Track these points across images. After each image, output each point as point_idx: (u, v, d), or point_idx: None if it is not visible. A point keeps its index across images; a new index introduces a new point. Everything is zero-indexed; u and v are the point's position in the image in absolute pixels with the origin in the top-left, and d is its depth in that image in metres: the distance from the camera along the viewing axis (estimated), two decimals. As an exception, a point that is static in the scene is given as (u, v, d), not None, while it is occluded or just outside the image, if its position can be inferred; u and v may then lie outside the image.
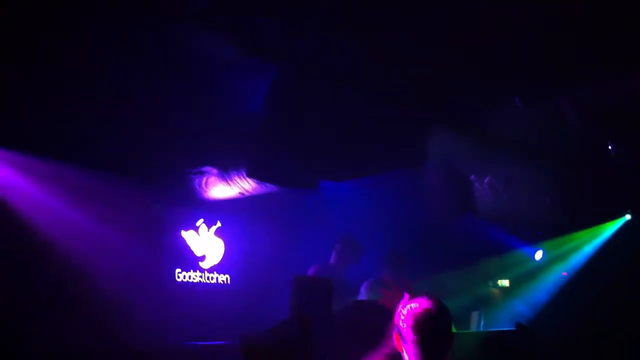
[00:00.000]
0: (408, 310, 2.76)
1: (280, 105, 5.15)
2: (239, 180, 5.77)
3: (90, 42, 4.28)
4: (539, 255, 8.43)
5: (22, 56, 4.25)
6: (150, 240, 6.18)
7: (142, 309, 5.73)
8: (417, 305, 2.77)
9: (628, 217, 8.04)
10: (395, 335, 2.81)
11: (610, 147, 6.43)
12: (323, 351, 4.08)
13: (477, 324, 7.08)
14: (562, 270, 8.24)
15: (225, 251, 6.88)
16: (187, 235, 6.57)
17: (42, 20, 4.06)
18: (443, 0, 4.10)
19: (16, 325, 4.83)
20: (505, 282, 8.16)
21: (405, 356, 2.73)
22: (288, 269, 5.98)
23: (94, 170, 5.34)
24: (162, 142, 5.39)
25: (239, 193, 5.97)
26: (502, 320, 7.59)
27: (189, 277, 6.52)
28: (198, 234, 6.66)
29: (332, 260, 6.28)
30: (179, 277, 6.43)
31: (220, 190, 6.01)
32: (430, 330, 2.70)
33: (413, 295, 2.90)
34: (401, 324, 2.74)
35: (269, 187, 5.80)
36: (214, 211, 6.70)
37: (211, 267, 6.75)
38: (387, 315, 3.43)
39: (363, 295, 6.02)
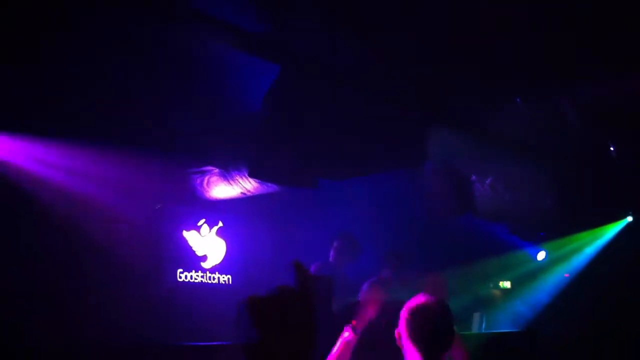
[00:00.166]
0: (409, 308, 2.77)
1: (281, 105, 5.16)
2: (240, 180, 5.78)
3: (89, 41, 4.29)
4: (541, 256, 8.42)
5: (20, 56, 4.27)
6: (151, 240, 6.20)
7: (144, 308, 5.75)
8: (419, 304, 2.78)
9: (630, 218, 8.03)
10: (396, 334, 2.82)
11: (612, 148, 6.43)
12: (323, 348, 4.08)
13: (479, 325, 7.08)
14: (563, 272, 8.23)
15: (226, 251, 6.89)
16: (189, 235, 6.58)
17: (42, 19, 4.08)
18: (443, 0, 4.11)
19: (16, 323, 4.83)
20: (506, 284, 8.16)
21: (407, 354, 2.74)
22: (290, 269, 5.98)
23: (93, 171, 5.35)
24: (163, 142, 5.41)
25: (241, 193, 5.98)
26: (504, 322, 7.59)
27: (191, 277, 6.53)
28: (200, 234, 6.68)
29: (330, 258, 6.28)
30: (180, 277, 6.45)
31: (221, 190, 6.02)
32: (431, 329, 2.70)
33: (415, 294, 2.91)
34: (402, 322, 2.76)
35: (270, 187, 5.81)
36: (216, 211, 6.71)
37: (213, 267, 6.76)
38: (388, 315, 3.44)
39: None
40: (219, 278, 6.79)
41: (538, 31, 4.31)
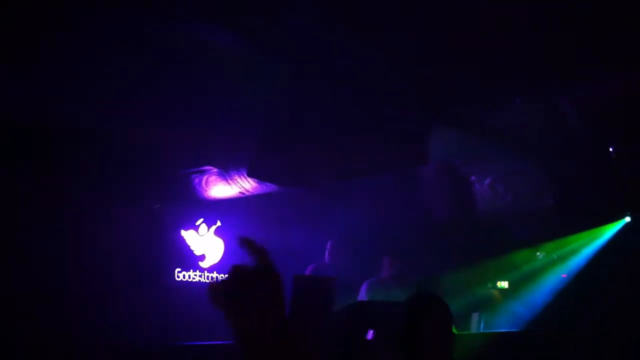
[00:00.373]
0: (406, 308, 2.77)
1: (280, 105, 5.16)
2: (239, 180, 5.78)
3: (89, 40, 4.28)
4: (539, 256, 8.43)
5: (20, 55, 4.25)
6: (150, 239, 6.19)
7: (143, 307, 5.74)
8: (417, 303, 2.77)
9: (628, 219, 8.04)
10: (397, 332, 2.81)
11: (611, 149, 6.44)
12: (322, 350, 4.07)
13: (477, 325, 7.08)
14: (561, 272, 8.23)
15: (225, 251, 6.89)
16: (187, 235, 6.58)
17: (42, 19, 4.07)
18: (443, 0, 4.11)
19: (14, 323, 4.82)
20: (504, 284, 8.15)
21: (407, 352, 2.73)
22: (288, 269, 5.97)
23: (92, 169, 5.34)
24: (162, 141, 5.40)
25: (239, 192, 5.97)
26: (502, 322, 7.59)
27: (189, 276, 6.52)
28: (198, 233, 6.67)
29: (326, 259, 6.30)
30: (178, 276, 6.44)
31: (220, 189, 6.01)
32: (430, 329, 2.70)
33: (414, 293, 2.91)
34: (401, 320, 2.75)
35: (269, 187, 5.80)
36: (214, 211, 6.70)
37: (211, 267, 6.76)
38: (388, 315, 3.43)
39: (363, 295, 6.02)
40: (217, 277, 6.78)
41: (538, 31, 4.31)
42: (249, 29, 4.45)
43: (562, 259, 8.30)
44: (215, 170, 5.86)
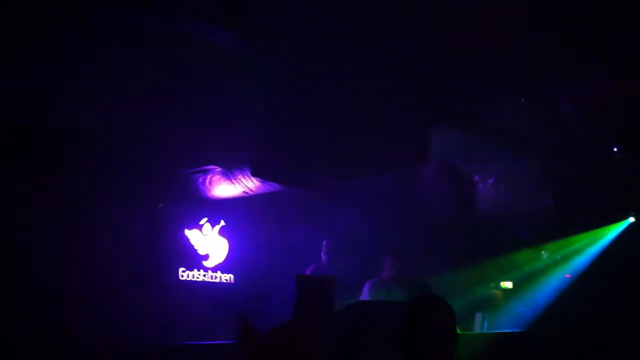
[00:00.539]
0: (410, 308, 2.77)
1: (284, 105, 5.18)
2: (242, 179, 5.80)
3: (92, 39, 4.30)
4: (544, 256, 8.42)
5: (20, 55, 4.28)
6: (153, 239, 6.22)
7: (146, 307, 5.76)
8: (420, 304, 2.78)
9: (632, 219, 8.02)
10: (397, 332, 2.82)
11: (615, 149, 6.43)
12: (323, 350, 4.09)
13: (481, 325, 7.08)
14: (565, 273, 8.22)
15: (229, 250, 6.91)
16: (191, 234, 6.60)
17: (42, 19, 4.10)
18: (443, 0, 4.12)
19: (14, 323, 4.86)
20: (507, 284, 8.14)
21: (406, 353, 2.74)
22: (292, 269, 6.00)
23: (93, 169, 5.37)
24: (166, 141, 5.42)
25: (243, 192, 5.99)
26: (505, 322, 7.58)
27: (193, 276, 6.54)
28: (202, 232, 6.69)
29: (323, 260, 6.32)
30: (182, 276, 6.46)
31: (224, 189, 6.03)
32: (430, 329, 2.70)
33: (416, 294, 2.91)
34: (401, 320, 2.76)
35: (272, 186, 5.82)
36: (218, 210, 6.73)
37: (215, 266, 6.78)
38: (389, 315, 3.45)
39: (366, 295, 6.03)
40: (221, 277, 6.80)
41: (538, 31, 4.31)
42: (249, 28, 4.48)
43: (566, 259, 8.29)
44: (218, 169, 5.88)
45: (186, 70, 4.87)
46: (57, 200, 5.35)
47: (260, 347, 4.19)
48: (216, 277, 6.77)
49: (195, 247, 6.62)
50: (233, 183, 5.92)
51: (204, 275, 6.66)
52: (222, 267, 6.84)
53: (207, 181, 6.05)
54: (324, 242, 6.35)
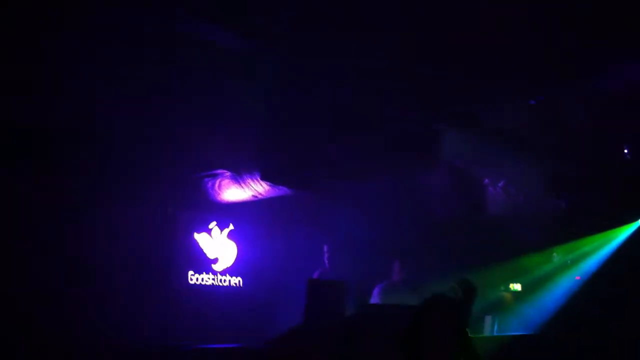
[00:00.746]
0: (419, 310, 2.76)
1: (286, 106, 5.18)
2: (252, 183, 5.79)
3: (92, 39, 4.29)
4: (555, 258, 8.39)
5: (20, 55, 4.28)
6: (163, 242, 6.21)
7: (155, 310, 5.76)
8: (430, 306, 2.77)
9: (642, 221, 8.00)
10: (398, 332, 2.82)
11: (625, 151, 6.41)
12: (333, 351, 4.09)
13: (491, 328, 7.04)
14: (575, 275, 8.19)
15: (237, 254, 6.90)
16: (200, 238, 6.59)
17: (42, 19, 4.09)
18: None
19: (14, 323, 4.85)
20: (517, 286, 8.11)
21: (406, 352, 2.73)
22: (300, 272, 5.99)
23: (96, 168, 5.35)
24: (175, 145, 5.42)
25: (252, 196, 5.99)
26: (515, 325, 7.55)
27: (202, 279, 6.54)
28: (211, 236, 6.69)
29: (325, 264, 6.33)
30: (191, 279, 6.45)
31: (233, 192, 6.03)
32: (429, 329, 2.69)
33: (426, 297, 2.90)
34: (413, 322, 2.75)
35: (282, 190, 5.81)
36: (227, 214, 6.72)
37: (224, 270, 6.76)
38: (397, 318, 3.43)
39: (376, 298, 6.02)
40: (229, 280, 6.79)
41: (538, 31, 4.31)
42: (252, 30, 4.47)
43: (576, 261, 8.26)
44: (228, 173, 5.88)
45: (186, 71, 4.86)
46: (57, 200, 5.34)
47: (272, 350, 4.19)
48: (225, 281, 6.76)
49: (205, 251, 6.61)
50: (242, 187, 5.91)
51: (213, 279, 6.65)
52: (230, 271, 6.83)
53: (217, 185, 6.05)
54: (325, 247, 6.36)
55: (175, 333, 5.70)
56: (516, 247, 7.87)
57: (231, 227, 6.86)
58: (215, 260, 6.70)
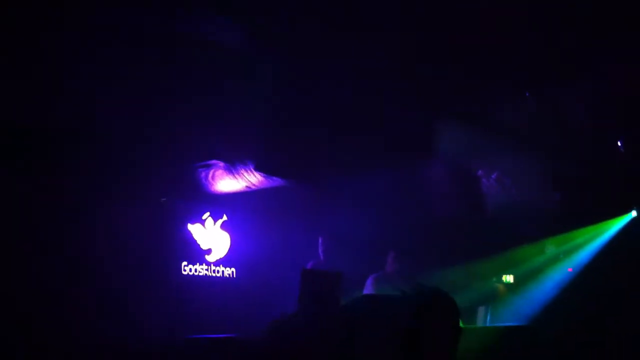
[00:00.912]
0: (414, 303, 2.76)
1: (284, 104, 5.18)
2: (245, 174, 5.78)
3: (94, 36, 4.28)
4: (548, 249, 8.44)
5: (20, 55, 4.26)
6: (156, 233, 6.20)
7: (148, 302, 5.75)
8: (422, 301, 2.77)
9: (634, 213, 8.03)
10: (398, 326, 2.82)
11: (619, 143, 6.43)
12: (328, 342, 4.09)
13: (484, 318, 7.09)
14: (567, 267, 8.24)
15: (231, 245, 6.90)
16: (194, 229, 6.59)
17: (42, 19, 4.07)
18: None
19: (20, 318, 4.84)
20: (509, 278, 8.16)
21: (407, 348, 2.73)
22: (293, 263, 6.00)
23: (93, 165, 5.34)
24: (169, 135, 5.40)
25: (246, 187, 5.98)
26: (508, 316, 7.60)
27: (195, 270, 6.53)
28: (204, 227, 6.68)
29: (320, 257, 6.34)
30: (185, 270, 6.45)
31: (226, 183, 6.02)
32: (430, 324, 2.69)
33: (418, 289, 2.90)
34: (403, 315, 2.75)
35: (275, 181, 5.81)
36: (220, 204, 6.71)
37: (217, 261, 6.76)
38: (395, 309, 3.44)
39: (369, 289, 6.03)
40: (223, 271, 6.79)
41: (538, 31, 4.31)
42: (251, 27, 4.46)
43: (568, 253, 8.30)
44: (221, 164, 5.87)
45: (186, 71, 4.85)
46: (57, 200, 5.32)
47: (265, 340, 4.18)
48: (218, 272, 6.76)
49: (198, 242, 6.61)
50: (236, 178, 5.90)
51: (207, 270, 6.65)
52: (224, 262, 6.83)
53: (210, 176, 6.03)
54: (320, 240, 6.36)
55: (169, 324, 5.70)
56: (509, 239, 7.90)
57: (225, 217, 6.85)
58: (208, 251, 6.70)
